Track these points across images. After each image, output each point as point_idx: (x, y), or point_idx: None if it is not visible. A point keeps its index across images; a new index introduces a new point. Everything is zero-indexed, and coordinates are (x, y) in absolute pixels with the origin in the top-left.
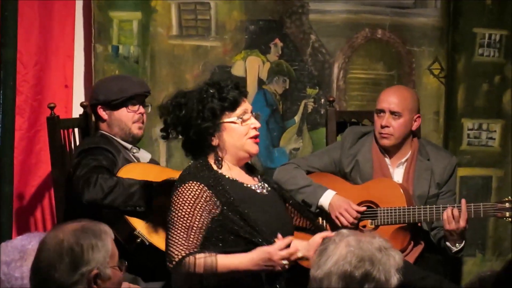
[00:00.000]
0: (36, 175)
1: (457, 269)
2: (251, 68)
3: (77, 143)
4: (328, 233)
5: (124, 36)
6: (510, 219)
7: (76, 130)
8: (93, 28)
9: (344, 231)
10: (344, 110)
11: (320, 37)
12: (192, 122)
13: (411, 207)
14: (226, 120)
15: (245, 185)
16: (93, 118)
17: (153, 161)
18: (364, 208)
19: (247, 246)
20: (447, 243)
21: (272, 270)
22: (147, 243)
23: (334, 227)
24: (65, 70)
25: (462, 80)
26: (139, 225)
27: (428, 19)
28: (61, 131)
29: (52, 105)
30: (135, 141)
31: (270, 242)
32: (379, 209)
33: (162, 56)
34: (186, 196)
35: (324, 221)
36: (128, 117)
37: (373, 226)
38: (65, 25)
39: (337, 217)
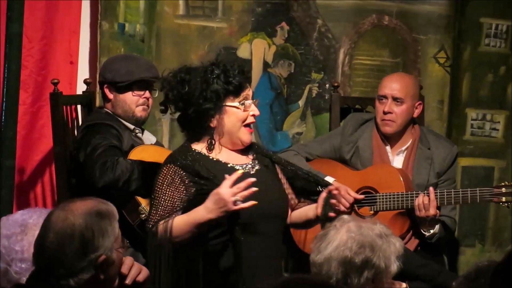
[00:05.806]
0: (38, 150)
1: (456, 259)
2: (256, 50)
3: (80, 120)
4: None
5: (131, 14)
6: (506, 204)
7: (79, 107)
8: (99, 5)
9: (345, 216)
10: (349, 95)
11: (327, 22)
12: (194, 101)
13: (409, 192)
14: (228, 103)
15: (229, 165)
16: (101, 94)
17: (158, 144)
18: (362, 196)
19: (217, 226)
20: (421, 229)
21: (227, 210)
22: None
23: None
24: (71, 46)
25: (467, 69)
26: (144, 201)
27: (435, 7)
28: (64, 107)
29: (55, 80)
30: (139, 123)
31: (242, 222)
32: (378, 194)
33: (168, 36)
34: (162, 178)
35: None
36: (132, 101)
37: (372, 212)
38: (72, 0)
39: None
